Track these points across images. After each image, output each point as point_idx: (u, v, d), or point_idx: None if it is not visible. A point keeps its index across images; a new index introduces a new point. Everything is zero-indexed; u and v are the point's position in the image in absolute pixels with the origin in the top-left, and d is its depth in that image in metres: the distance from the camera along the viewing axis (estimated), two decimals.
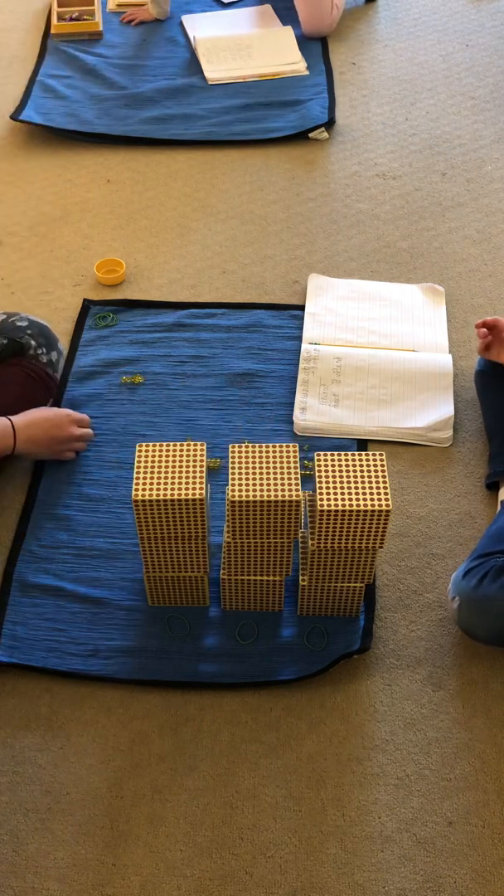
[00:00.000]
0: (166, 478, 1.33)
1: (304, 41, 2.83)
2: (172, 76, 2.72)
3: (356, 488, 1.32)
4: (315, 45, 2.84)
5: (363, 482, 1.32)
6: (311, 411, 1.83)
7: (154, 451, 1.37)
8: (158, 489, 1.32)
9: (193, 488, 1.32)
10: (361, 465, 1.34)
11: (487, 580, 1.42)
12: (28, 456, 1.70)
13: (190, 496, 1.31)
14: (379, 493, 1.31)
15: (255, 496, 1.30)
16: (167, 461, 1.35)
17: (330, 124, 2.55)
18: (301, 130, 2.51)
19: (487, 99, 2.68)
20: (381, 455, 1.35)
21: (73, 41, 2.85)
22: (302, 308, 2.06)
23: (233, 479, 1.32)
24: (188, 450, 1.37)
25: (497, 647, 1.49)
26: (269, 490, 1.31)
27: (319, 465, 1.35)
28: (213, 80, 2.68)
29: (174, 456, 1.36)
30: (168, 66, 2.76)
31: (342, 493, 1.31)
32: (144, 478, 1.33)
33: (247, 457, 1.35)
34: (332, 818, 1.33)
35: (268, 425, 1.82)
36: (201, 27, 2.88)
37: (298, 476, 1.32)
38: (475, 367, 1.84)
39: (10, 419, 1.63)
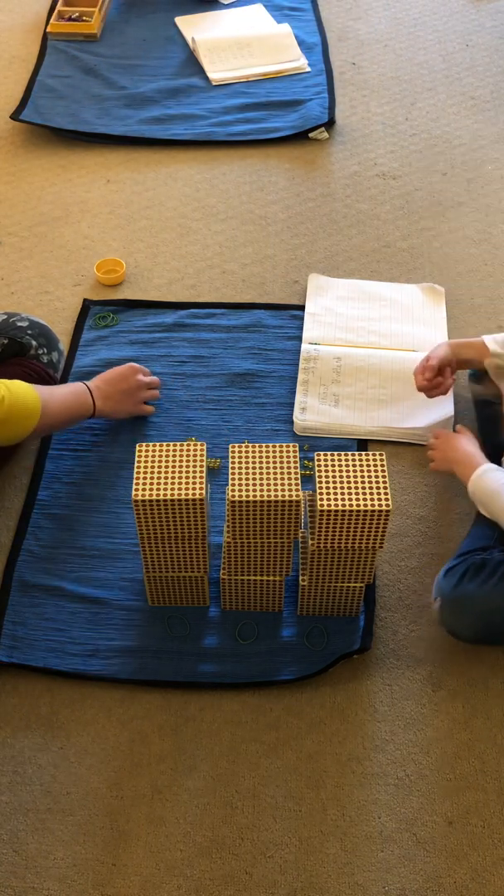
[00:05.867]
0: (166, 478, 1.33)
1: (304, 42, 2.83)
2: (172, 76, 2.72)
3: (356, 488, 1.32)
4: (315, 45, 2.83)
5: (363, 482, 1.32)
6: (311, 411, 1.83)
7: (154, 451, 1.36)
8: (158, 489, 1.32)
9: (193, 488, 1.32)
10: (361, 465, 1.34)
11: (466, 578, 1.41)
12: (109, 416, 1.75)
13: (190, 496, 1.31)
14: (379, 493, 1.31)
15: (255, 496, 1.30)
16: (167, 461, 1.35)
17: (330, 124, 2.55)
18: (301, 130, 2.51)
19: (487, 99, 2.68)
20: (381, 455, 1.35)
21: (72, 41, 2.85)
22: (302, 308, 2.05)
23: (233, 479, 1.32)
24: (188, 450, 1.37)
25: (482, 645, 1.48)
26: (269, 490, 1.31)
27: (319, 465, 1.35)
28: (216, 80, 2.68)
29: (174, 456, 1.36)
30: (168, 66, 2.76)
31: (342, 493, 1.31)
32: (144, 478, 1.33)
33: (247, 457, 1.35)
34: (332, 818, 1.33)
35: (268, 425, 1.82)
36: (197, 28, 2.88)
37: (298, 476, 1.32)
38: (468, 372, 1.84)
39: (84, 383, 1.71)
